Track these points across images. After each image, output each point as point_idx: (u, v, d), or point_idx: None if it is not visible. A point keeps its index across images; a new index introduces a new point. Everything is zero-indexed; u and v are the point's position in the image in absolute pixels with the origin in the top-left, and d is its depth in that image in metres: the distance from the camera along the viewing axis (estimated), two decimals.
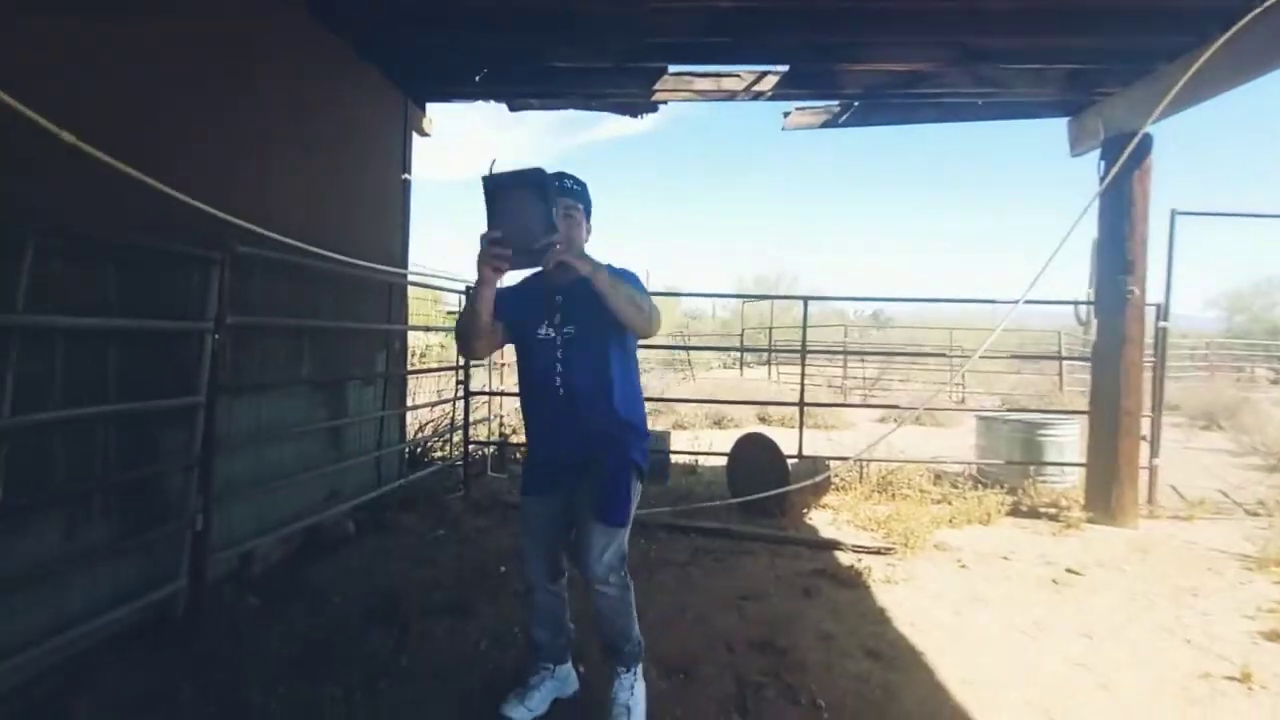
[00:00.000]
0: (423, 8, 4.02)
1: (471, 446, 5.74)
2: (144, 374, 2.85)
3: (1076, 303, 5.29)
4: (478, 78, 4.82)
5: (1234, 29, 3.51)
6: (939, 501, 5.29)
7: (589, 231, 2.23)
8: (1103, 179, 4.74)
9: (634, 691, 2.26)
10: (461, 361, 5.67)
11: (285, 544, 3.80)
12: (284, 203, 3.82)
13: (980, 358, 5.30)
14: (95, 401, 2.62)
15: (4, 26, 2.32)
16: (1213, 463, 7.50)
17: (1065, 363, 13.48)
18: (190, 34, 3.19)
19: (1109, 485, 4.82)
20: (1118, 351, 4.79)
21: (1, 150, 2.28)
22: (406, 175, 5.23)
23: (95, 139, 2.51)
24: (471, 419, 5.78)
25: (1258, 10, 3.41)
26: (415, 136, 5.45)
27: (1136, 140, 4.37)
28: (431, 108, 5.63)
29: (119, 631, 2.72)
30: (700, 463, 6.89)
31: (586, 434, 2.14)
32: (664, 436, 6.81)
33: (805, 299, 6.09)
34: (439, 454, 6.01)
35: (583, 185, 2.20)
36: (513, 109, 5.44)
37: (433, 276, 5.47)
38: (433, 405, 5.98)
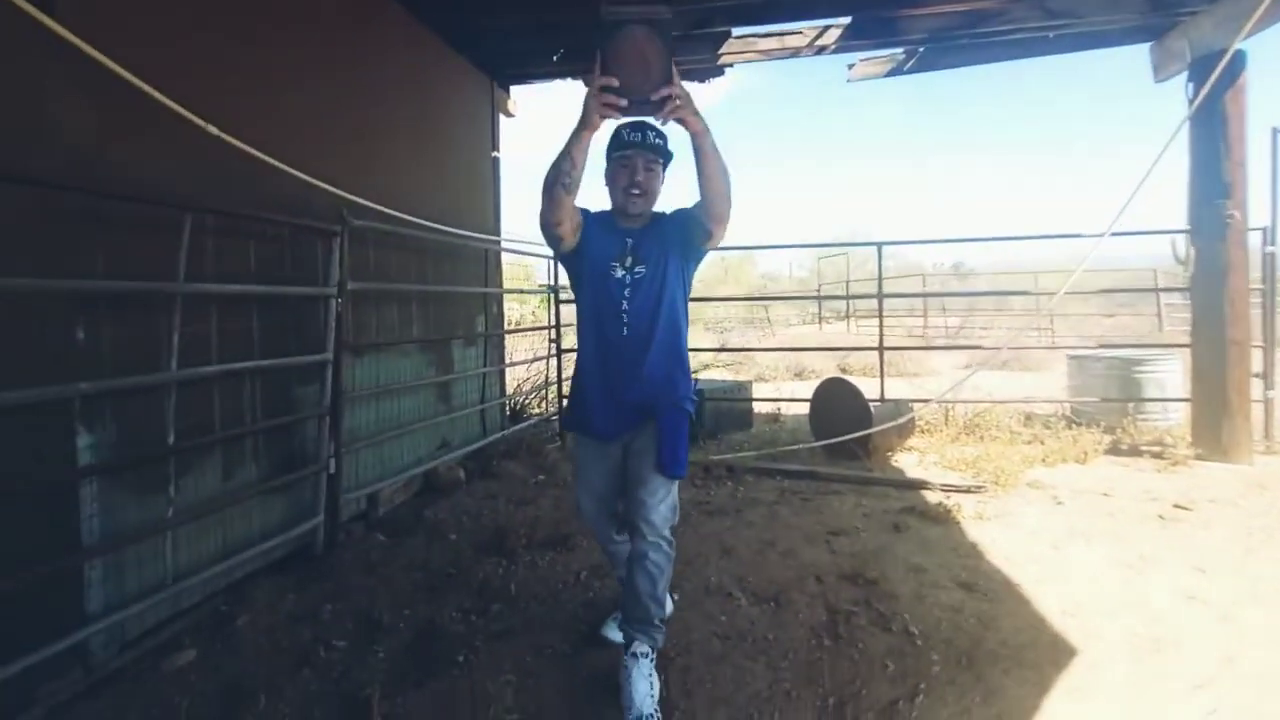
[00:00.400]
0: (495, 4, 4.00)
1: (564, 401, 5.84)
2: (281, 335, 3.03)
3: (1170, 231, 4.72)
4: (555, 57, 4.76)
5: None
6: (1030, 442, 4.94)
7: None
8: (1191, 101, 4.17)
9: (653, 685, 1.95)
10: (553, 321, 5.74)
11: (406, 488, 4.00)
12: (391, 180, 3.94)
13: (1067, 294, 4.83)
14: (243, 359, 2.79)
15: (179, 39, 2.53)
16: None
17: (1164, 302, 12.27)
18: (314, 33, 3.37)
19: (1218, 419, 4.34)
20: (1221, 279, 4.27)
21: (161, 142, 2.45)
22: (496, 153, 5.27)
23: (239, 129, 2.68)
24: (564, 376, 5.87)
25: None
26: (501, 118, 5.48)
27: (1228, 58, 3.81)
28: (515, 91, 5.65)
29: (270, 562, 2.94)
30: (782, 411, 6.75)
31: (648, 377, 2.03)
32: (746, 386, 6.69)
33: (879, 244, 5.75)
34: (535, 410, 6.15)
35: (664, 137, 2.08)
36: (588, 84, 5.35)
37: (522, 243, 5.50)
38: (529, 363, 6.11)
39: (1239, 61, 4.13)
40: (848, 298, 9.09)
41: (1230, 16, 3.97)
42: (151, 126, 2.39)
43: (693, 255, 2.10)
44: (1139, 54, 4.94)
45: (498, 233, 5.36)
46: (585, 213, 2.04)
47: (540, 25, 4.47)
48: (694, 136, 1.75)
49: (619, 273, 2.04)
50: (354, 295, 3.39)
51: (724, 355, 11.33)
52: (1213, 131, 4.25)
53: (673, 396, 2.06)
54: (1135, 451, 4.65)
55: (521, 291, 5.91)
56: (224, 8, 2.80)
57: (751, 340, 13.14)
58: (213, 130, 2.55)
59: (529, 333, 7.03)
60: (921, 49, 4.93)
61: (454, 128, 4.78)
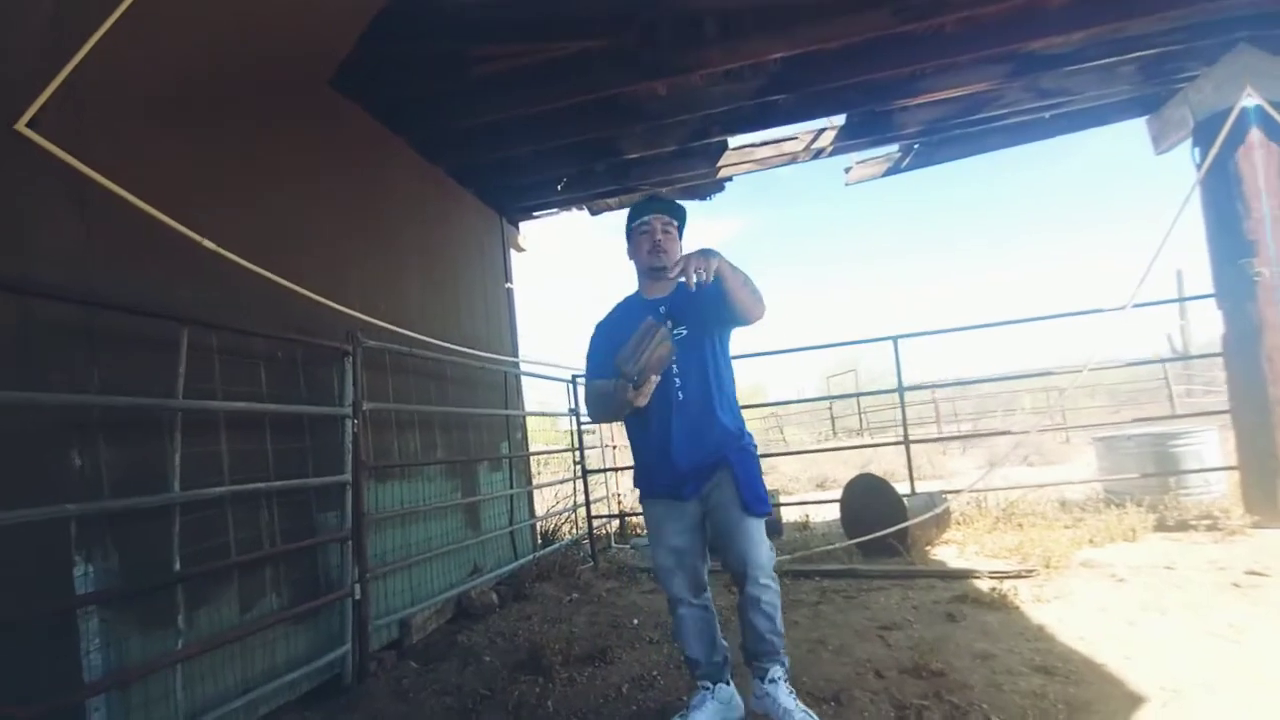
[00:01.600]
0: (498, 139, 4.31)
1: (594, 522, 5.57)
2: (297, 458, 2.90)
3: (1195, 297, 4.65)
4: (559, 185, 5.07)
5: None
6: (1070, 526, 4.56)
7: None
8: (1199, 165, 4.18)
9: (796, 701, 1.98)
10: (577, 443, 5.61)
11: (438, 613, 3.69)
12: (404, 304, 3.96)
13: (1076, 389, 4.69)
14: (256, 480, 2.62)
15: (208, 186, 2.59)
16: None
17: (1176, 387, 11.95)
18: (327, 166, 3.49)
19: (1272, 482, 4.00)
20: (1256, 338, 4.06)
21: (168, 261, 2.37)
22: (509, 284, 5.45)
23: (252, 252, 2.67)
24: (591, 497, 5.65)
25: None
26: (514, 253, 5.74)
27: (1234, 115, 3.89)
28: (526, 227, 5.96)
29: (297, 696, 2.65)
30: (811, 517, 6.38)
31: (710, 430, 2.00)
32: (772, 494, 6.38)
33: (895, 338, 5.71)
34: (566, 532, 5.86)
35: (672, 202, 2.18)
36: (593, 213, 5.66)
37: (540, 365, 5.55)
38: (556, 485, 5.91)
39: (1245, 118, 4.06)
40: (858, 394, 8.92)
41: (1231, 75, 4.00)
42: (149, 243, 2.29)
43: (728, 329, 2.12)
44: (1136, 129, 4.91)
45: (515, 356, 5.42)
46: (603, 340, 2.14)
47: (537, 154, 4.71)
48: (719, 283, 1.83)
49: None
50: (372, 417, 3.32)
51: None
52: (1228, 191, 4.15)
53: (739, 442, 2.03)
54: (1184, 526, 4.27)
55: (544, 414, 5.85)
56: (237, 131, 2.82)
57: (775, 460, 12.72)
58: (208, 245, 2.46)
59: (555, 454, 6.91)
60: (917, 145, 5.10)
61: (466, 257, 4.90)
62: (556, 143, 4.59)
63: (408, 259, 4.14)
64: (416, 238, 4.29)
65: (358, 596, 3.00)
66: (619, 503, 7.07)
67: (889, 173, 5.37)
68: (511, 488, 4.99)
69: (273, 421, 2.80)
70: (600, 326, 2.21)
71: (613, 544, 5.74)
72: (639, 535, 6.27)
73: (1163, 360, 9.65)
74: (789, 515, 6.49)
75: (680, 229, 2.14)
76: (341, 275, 3.42)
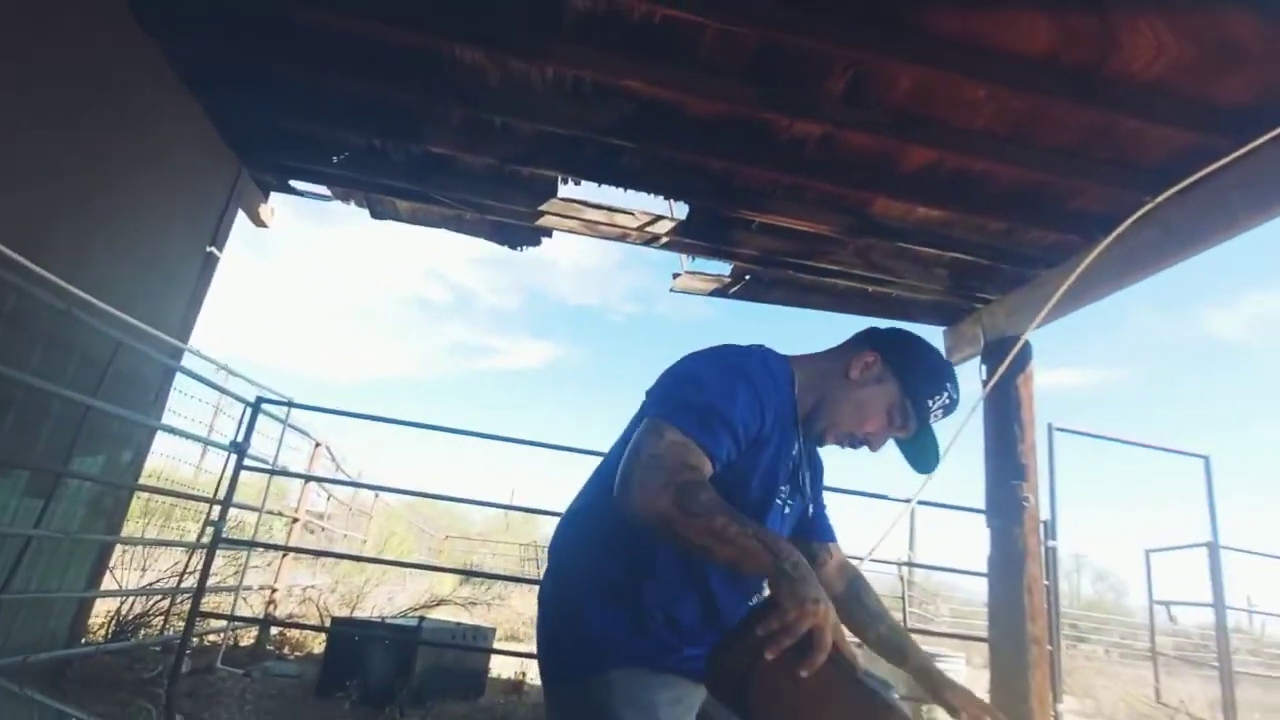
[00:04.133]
0: (262, 50, 3.25)
1: (203, 620, 3.81)
2: None
3: (956, 508, 4.58)
4: (337, 159, 3.97)
5: (1117, 231, 3.30)
6: None
7: None
8: (985, 382, 4.33)
9: None
10: (225, 493, 3.95)
11: None
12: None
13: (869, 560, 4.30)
14: None
15: None
16: None
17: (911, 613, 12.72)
18: None
19: None
20: (1019, 565, 3.93)
21: None
22: (214, 250, 4.00)
23: None
24: (216, 581, 3.93)
25: (1138, 215, 3.24)
26: (248, 222, 4.38)
27: (1020, 344, 4.05)
28: (280, 200, 4.66)
29: None
30: (529, 678, 5.11)
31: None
32: (484, 633, 5.02)
33: None
34: (155, 622, 3.96)
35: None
36: (376, 214, 4.56)
37: (218, 367, 3.98)
38: (160, 545, 4.06)
39: (1026, 350, 4.34)
40: None
41: (1020, 308, 4.26)
42: None
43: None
44: (934, 335, 5.24)
45: (184, 338, 3.86)
46: (771, 374, 1.33)
47: (315, 101, 3.64)
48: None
49: (783, 498, 1.36)
50: None
51: (470, 588, 9.43)
52: (1008, 413, 4.28)
53: None
54: None
55: (193, 437, 4.13)
56: None
57: (514, 595, 11.13)
58: None
59: (177, 502, 4.78)
60: (749, 277, 4.87)
61: (155, 185, 3.51)
62: (344, 91, 3.58)
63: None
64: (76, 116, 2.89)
65: None
66: (270, 604, 5.18)
67: (716, 293, 5.08)
68: (76, 530, 3.24)
69: None
70: (757, 368, 1.30)
71: (219, 662, 3.95)
72: (283, 658, 4.51)
73: (904, 564, 10.04)
74: (502, 667, 5.19)
75: (904, 450, 1.47)
76: None
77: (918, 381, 1.35)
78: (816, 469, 1.51)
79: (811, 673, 0.90)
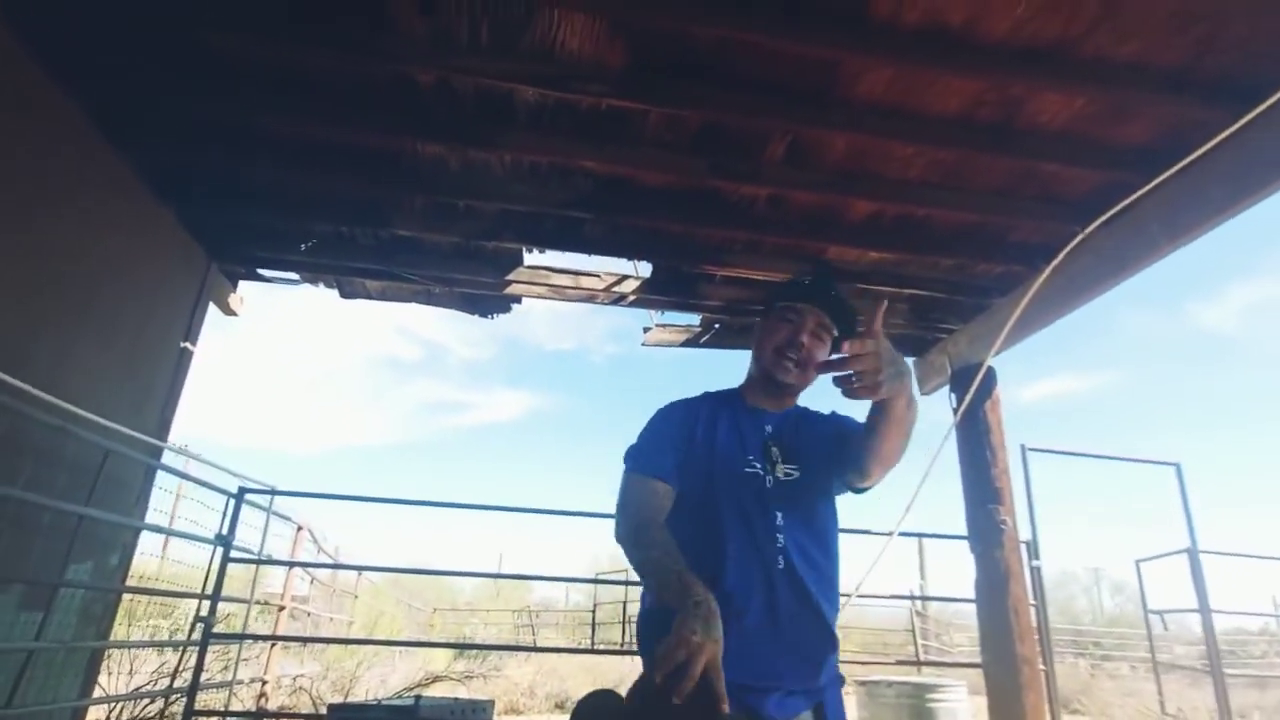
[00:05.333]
0: (229, 152, 3.42)
1: (200, 719, 3.80)
2: None
3: (940, 536, 4.72)
4: (304, 246, 4.14)
5: (1055, 261, 3.56)
6: None
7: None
8: (955, 410, 4.52)
9: None
10: (210, 589, 3.99)
11: None
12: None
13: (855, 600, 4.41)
14: None
15: None
16: None
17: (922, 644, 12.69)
18: None
19: None
20: (1003, 587, 4.06)
21: None
22: (188, 345, 4.12)
23: None
24: (211, 678, 3.93)
25: (1073, 244, 3.51)
26: (218, 311, 4.51)
27: (983, 371, 4.27)
28: (249, 288, 4.80)
29: None
30: None
31: (812, 636, 1.38)
32: (484, 708, 4.98)
33: None
34: None
35: (847, 302, 1.81)
36: (345, 294, 4.71)
37: (199, 462, 4.06)
38: (154, 646, 4.06)
39: (991, 376, 4.50)
40: (625, 622, 8.13)
41: (981, 334, 4.45)
42: None
43: (844, 482, 1.59)
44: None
45: (162, 437, 3.93)
46: (679, 413, 1.64)
47: (281, 195, 3.82)
48: (879, 413, 1.37)
49: (758, 471, 1.51)
50: None
51: (465, 661, 9.22)
52: (979, 439, 4.43)
53: (836, 666, 1.45)
54: None
55: (180, 535, 4.17)
56: None
57: (509, 661, 10.94)
58: None
59: (165, 601, 4.80)
60: (718, 325, 5.02)
61: (125, 287, 3.61)
62: (310, 185, 3.78)
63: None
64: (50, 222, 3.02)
65: None
66: (262, 697, 5.12)
67: (687, 344, 5.24)
68: (71, 639, 3.26)
69: None
70: (674, 407, 1.67)
71: None
72: None
73: (914, 597, 10.10)
74: None
75: (834, 346, 1.68)
76: None
77: (771, 301, 1.74)
78: (804, 437, 1.62)
79: (680, 700, 1.04)
